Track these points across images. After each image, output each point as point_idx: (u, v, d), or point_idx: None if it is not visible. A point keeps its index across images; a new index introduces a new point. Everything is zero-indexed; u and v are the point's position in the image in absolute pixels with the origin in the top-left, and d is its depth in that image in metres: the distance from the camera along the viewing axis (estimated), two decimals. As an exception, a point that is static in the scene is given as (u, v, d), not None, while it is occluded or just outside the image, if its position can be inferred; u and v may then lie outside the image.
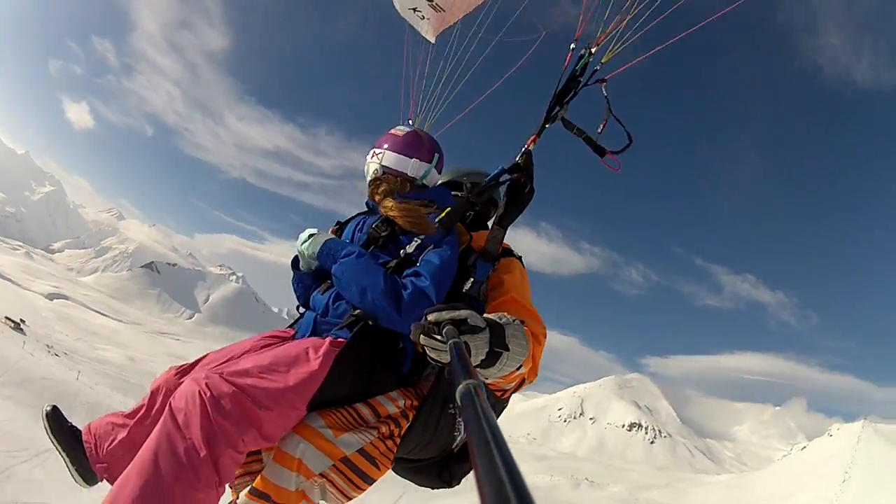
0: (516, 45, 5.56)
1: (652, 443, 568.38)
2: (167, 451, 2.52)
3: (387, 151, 3.83)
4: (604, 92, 3.95)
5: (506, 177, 3.77)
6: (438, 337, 2.24)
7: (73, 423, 3.34)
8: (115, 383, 73.36)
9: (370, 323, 3.20)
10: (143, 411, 3.20)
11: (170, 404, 2.65)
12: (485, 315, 2.50)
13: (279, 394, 2.78)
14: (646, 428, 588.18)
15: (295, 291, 3.91)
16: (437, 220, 3.53)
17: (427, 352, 2.32)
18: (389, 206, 3.58)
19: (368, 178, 3.90)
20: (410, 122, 5.08)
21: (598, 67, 3.91)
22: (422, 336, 2.29)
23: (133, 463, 2.57)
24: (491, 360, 2.46)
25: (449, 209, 3.61)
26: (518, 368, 2.64)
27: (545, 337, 3.20)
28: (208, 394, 2.61)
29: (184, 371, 3.27)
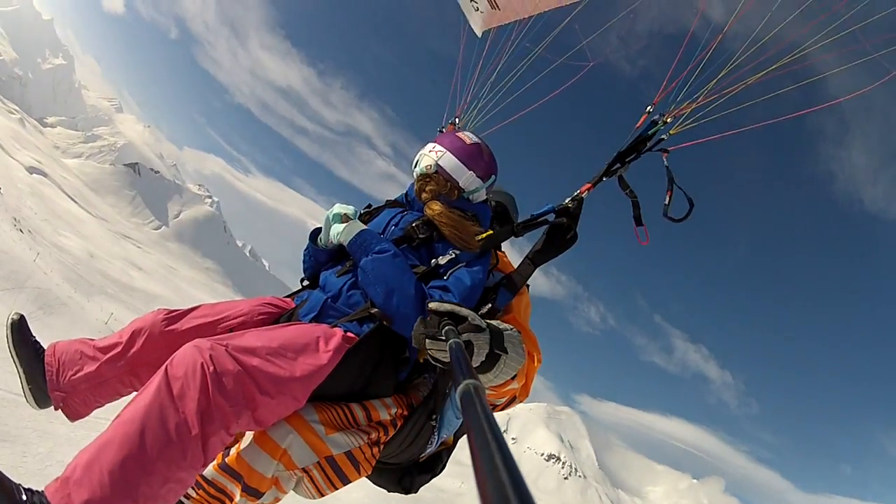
0: (568, 70, 5.53)
1: (566, 479, 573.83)
2: (157, 423, 2.32)
3: (447, 153, 3.68)
4: (665, 162, 3.88)
5: (551, 216, 3.69)
6: (441, 338, 2.26)
7: (36, 339, 3.18)
8: (68, 275, 72.68)
9: (384, 324, 3.08)
10: (118, 349, 3.04)
11: (166, 370, 2.43)
12: (487, 319, 2.53)
13: (284, 382, 2.62)
14: (563, 462, 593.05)
15: (304, 262, 3.79)
16: (477, 239, 3.44)
17: (429, 353, 2.35)
18: (438, 211, 3.48)
19: (418, 171, 3.74)
20: (457, 118, 4.98)
21: (666, 137, 3.88)
22: (427, 340, 2.33)
23: (116, 425, 2.35)
24: (490, 362, 2.47)
25: (490, 233, 3.52)
26: (512, 380, 2.64)
27: (540, 361, 3.21)
28: (211, 368, 2.41)
29: (173, 318, 3.13)
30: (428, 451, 3.37)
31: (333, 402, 2.93)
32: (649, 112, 3.96)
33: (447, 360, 2.22)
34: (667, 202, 3.79)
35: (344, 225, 3.33)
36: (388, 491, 3.55)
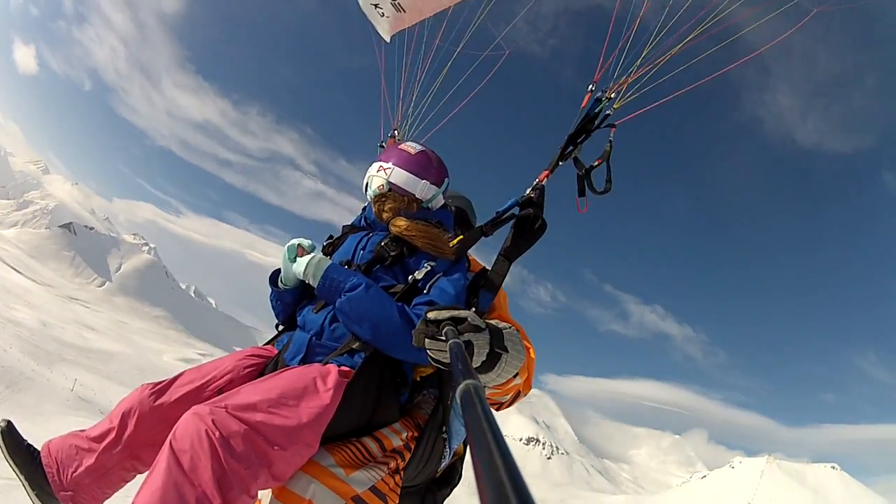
0: (489, 63, 5.61)
1: (549, 458, 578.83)
2: (176, 502, 2.24)
3: (396, 168, 3.64)
4: (611, 137, 3.98)
5: (516, 209, 3.67)
6: (441, 339, 2.25)
7: (30, 442, 3.08)
8: (26, 347, 72.39)
9: (378, 353, 3.05)
10: (112, 436, 2.95)
11: (171, 445, 2.35)
12: (483, 319, 2.52)
13: (293, 432, 2.57)
14: (543, 443, 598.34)
15: (273, 310, 3.71)
16: (451, 244, 3.45)
17: (429, 353, 2.33)
18: (404, 226, 3.43)
19: (372, 193, 3.70)
20: (395, 130, 5.03)
21: (611, 112, 3.97)
22: (426, 340, 2.31)
23: None
24: (491, 361, 2.49)
25: (462, 237, 3.55)
26: (515, 377, 2.66)
27: (534, 351, 3.14)
28: (217, 433, 2.35)
29: (160, 391, 3.02)
30: (443, 464, 3.39)
31: (344, 440, 2.89)
32: (592, 90, 4.04)
33: (447, 360, 2.22)
34: (591, 167, 3.96)
35: (305, 261, 3.28)
36: None
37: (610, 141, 3.97)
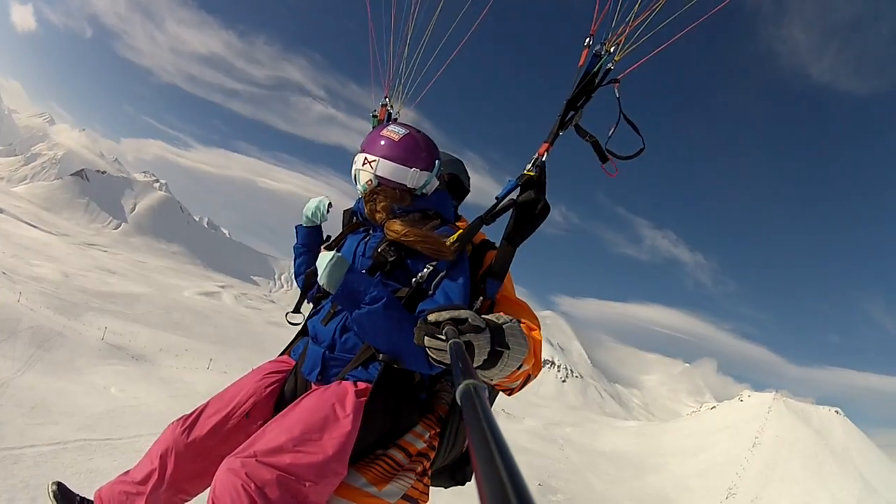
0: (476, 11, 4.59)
1: (563, 381, 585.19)
2: None
3: (381, 160, 3.40)
4: (616, 93, 3.63)
5: (516, 192, 3.44)
6: (441, 337, 2.24)
7: (81, 496, 3.34)
8: (52, 303, 74.19)
9: (394, 365, 2.99)
10: (155, 477, 3.05)
11: (213, 502, 2.45)
12: (483, 316, 2.48)
13: (322, 466, 2.63)
14: (558, 366, 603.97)
15: (296, 265, 3.86)
16: (450, 245, 3.23)
17: (429, 353, 2.32)
18: (401, 232, 3.22)
19: (361, 189, 3.51)
20: (386, 97, 4.60)
21: (611, 66, 3.60)
22: (426, 337, 2.29)
23: None
24: (493, 360, 2.44)
25: (461, 232, 3.30)
26: (520, 367, 2.61)
27: (540, 328, 3.12)
28: (252, 485, 2.42)
29: (189, 426, 3.11)
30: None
31: (371, 455, 2.93)
32: (589, 45, 3.67)
33: (447, 360, 2.22)
34: (610, 133, 3.64)
35: (325, 260, 2.96)
36: (445, 488, 3.60)
37: (618, 99, 3.61)
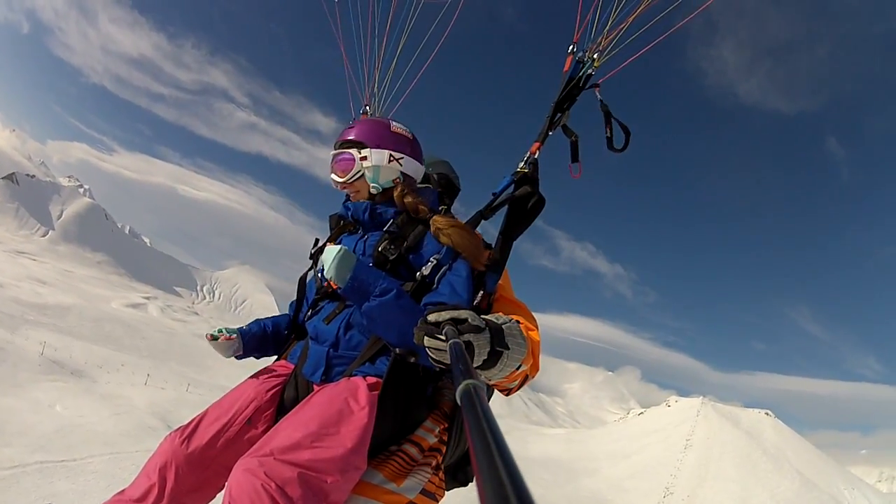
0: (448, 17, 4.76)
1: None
2: None
3: (406, 157, 3.50)
4: (598, 96, 3.88)
5: (511, 188, 3.59)
6: (441, 337, 2.22)
7: None
8: (-11, 315, 73.16)
9: (410, 359, 2.95)
10: (155, 493, 2.88)
11: None
12: (483, 317, 2.46)
13: (343, 459, 2.56)
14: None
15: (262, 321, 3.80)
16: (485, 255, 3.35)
17: (429, 353, 2.29)
18: (447, 231, 3.24)
19: (382, 185, 3.48)
20: (367, 106, 4.64)
21: (592, 71, 3.85)
22: (426, 338, 2.27)
23: None
24: (492, 360, 2.43)
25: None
26: (519, 367, 2.60)
27: (538, 329, 3.14)
28: (272, 484, 2.31)
29: (188, 436, 2.99)
30: None
31: (386, 452, 2.90)
32: (573, 52, 3.91)
33: (447, 360, 2.18)
34: (609, 135, 3.87)
35: (332, 254, 2.90)
36: (448, 490, 3.41)
37: (601, 101, 3.88)
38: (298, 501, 2.33)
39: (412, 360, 2.91)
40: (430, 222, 3.31)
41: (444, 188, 4.27)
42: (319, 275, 3.41)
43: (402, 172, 3.47)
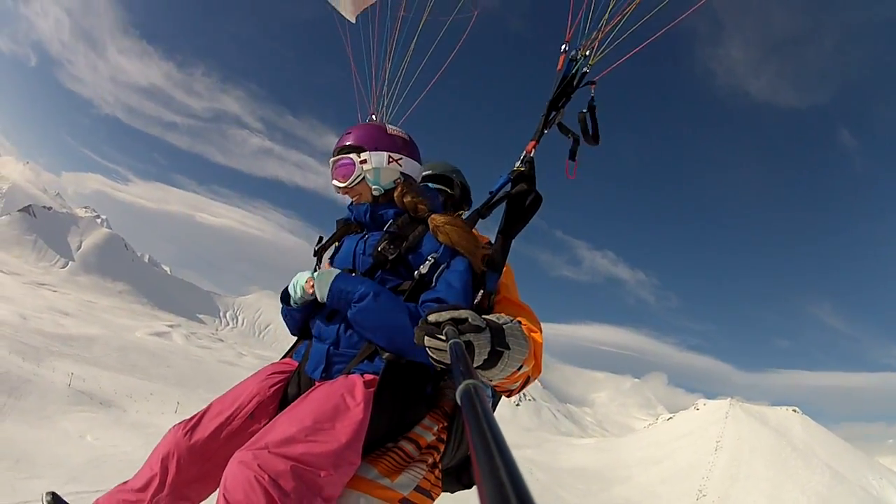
0: (460, 28, 5.16)
1: (517, 405, 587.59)
2: None
3: (405, 157, 3.56)
4: (592, 93, 3.91)
5: (508, 186, 3.63)
6: (441, 337, 2.23)
7: None
8: (15, 346, 73.43)
9: (399, 359, 3.01)
10: (156, 483, 2.92)
11: (225, 499, 2.35)
12: (483, 317, 2.48)
13: (337, 454, 2.57)
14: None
15: (286, 323, 3.66)
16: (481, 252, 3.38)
17: (429, 353, 2.29)
18: (445, 229, 3.29)
19: (384, 187, 3.53)
20: (373, 115, 4.75)
21: (587, 69, 3.88)
22: (426, 338, 2.27)
23: None
24: (493, 360, 2.44)
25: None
26: (520, 368, 2.63)
27: (541, 331, 3.16)
28: (266, 477, 2.33)
29: (191, 428, 3.01)
30: None
31: (382, 448, 2.91)
32: (566, 51, 3.95)
33: (448, 360, 2.19)
34: (591, 132, 3.92)
35: (318, 280, 3.15)
36: (452, 492, 3.50)
37: (592, 97, 3.91)
38: (292, 494, 2.34)
39: (401, 359, 2.97)
40: (429, 221, 3.35)
41: (463, 196, 4.36)
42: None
43: (402, 173, 3.53)
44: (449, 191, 4.25)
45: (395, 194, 3.48)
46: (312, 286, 3.20)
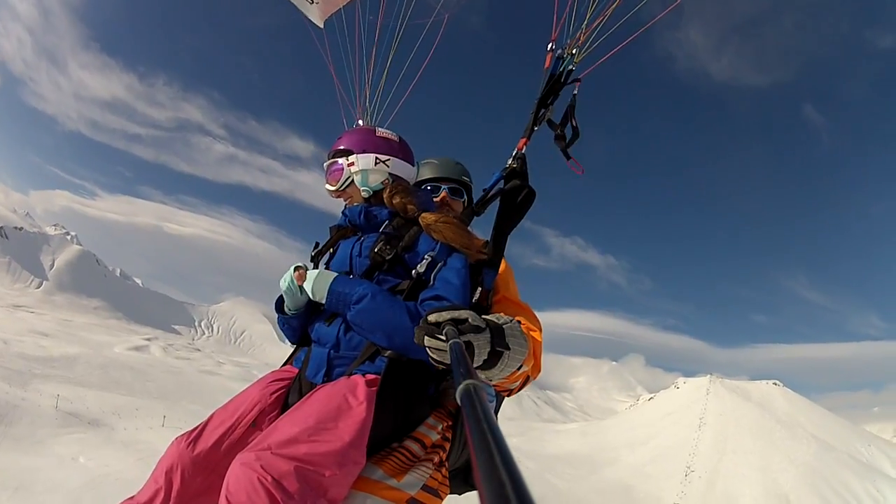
0: (434, 31, 5.11)
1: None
2: None
3: (394, 158, 3.59)
4: (575, 91, 3.97)
5: (501, 183, 3.70)
6: (441, 337, 2.22)
7: None
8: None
9: (401, 358, 3.01)
10: (161, 496, 2.86)
11: (227, 501, 2.34)
12: (483, 316, 2.48)
13: (341, 453, 2.56)
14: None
15: (283, 332, 3.64)
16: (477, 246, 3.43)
17: (429, 353, 2.30)
18: (437, 227, 3.34)
19: (372, 188, 3.58)
20: (359, 121, 4.78)
21: (573, 67, 3.94)
22: (426, 337, 2.27)
23: None
24: (493, 360, 2.45)
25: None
26: (520, 368, 2.63)
27: (541, 330, 3.22)
28: (268, 477, 2.32)
29: (194, 439, 2.99)
30: None
31: (386, 448, 2.90)
32: (552, 49, 3.99)
33: (448, 360, 2.20)
34: (559, 132, 3.98)
35: (311, 279, 3.16)
36: (460, 494, 3.52)
37: (574, 95, 3.96)
38: (296, 495, 2.32)
39: (403, 360, 2.97)
40: (420, 219, 3.40)
41: (469, 193, 4.36)
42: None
43: (390, 174, 3.58)
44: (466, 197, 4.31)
45: (385, 195, 3.53)
46: (301, 277, 3.25)
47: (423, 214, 3.39)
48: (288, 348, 3.78)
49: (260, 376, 3.47)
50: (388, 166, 3.55)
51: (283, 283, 3.31)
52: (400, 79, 4.79)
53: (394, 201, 3.48)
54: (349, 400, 2.78)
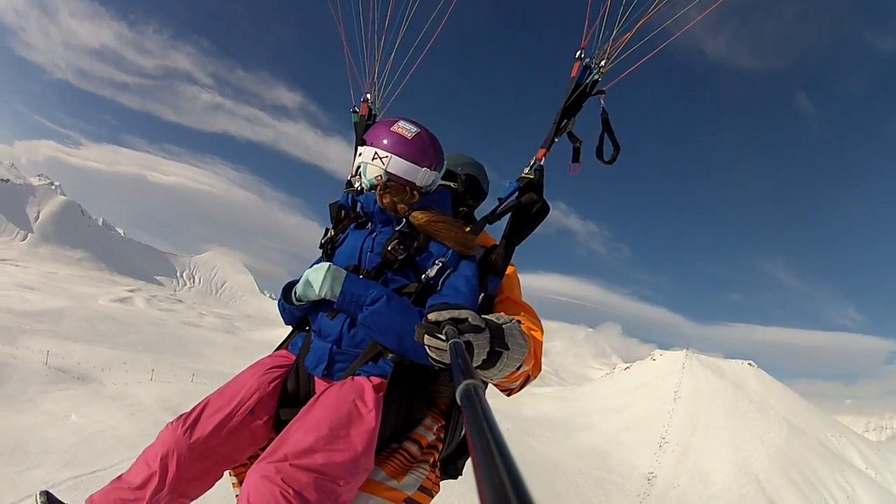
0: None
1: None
2: None
3: (393, 157, 3.36)
4: (602, 103, 3.83)
5: (517, 193, 3.64)
6: (441, 336, 2.21)
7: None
8: (-20, 328, 72.52)
9: (406, 363, 3.01)
10: (155, 481, 2.84)
11: None
12: (483, 316, 2.47)
13: (354, 463, 2.57)
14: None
15: (282, 315, 3.55)
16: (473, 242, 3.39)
17: (429, 352, 2.30)
18: (424, 219, 3.30)
19: (367, 183, 3.45)
20: (367, 94, 4.52)
21: (599, 78, 3.78)
22: (426, 336, 2.27)
23: None
24: (492, 360, 2.44)
25: (470, 229, 3.54)
26: (519, 368, 2.62)
27: (542, 331, 3.22)
28: (290, 490, 2.31)
29: (190, 425, 2.94)
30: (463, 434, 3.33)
31: (388, 449, 2.92)
32: (581, 58, 3.79)
33: (447, 360, 2.19)
34: (599, 145, 3.86)
35: (321, 275, 3.08)
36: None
37: (603, 108, 3.83)
38: None
39: (407, 363, 2.99)
40: (410, 219, 3.31)
41: (469, 189, 4.21)
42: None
43: (385, 171, 3.36)
44: (452, 185, 4.11)
45: (377, 193, 3.38)
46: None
47: (414, 213, 3.31)
48: (277, 320, 3.66)
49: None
50: (384, 163, 3.36)
51: (305, 280, 3.20)
52: (409, 55, 4.52)
53: (383, 200, 3.35)
54: (359, 407, 2.77)
